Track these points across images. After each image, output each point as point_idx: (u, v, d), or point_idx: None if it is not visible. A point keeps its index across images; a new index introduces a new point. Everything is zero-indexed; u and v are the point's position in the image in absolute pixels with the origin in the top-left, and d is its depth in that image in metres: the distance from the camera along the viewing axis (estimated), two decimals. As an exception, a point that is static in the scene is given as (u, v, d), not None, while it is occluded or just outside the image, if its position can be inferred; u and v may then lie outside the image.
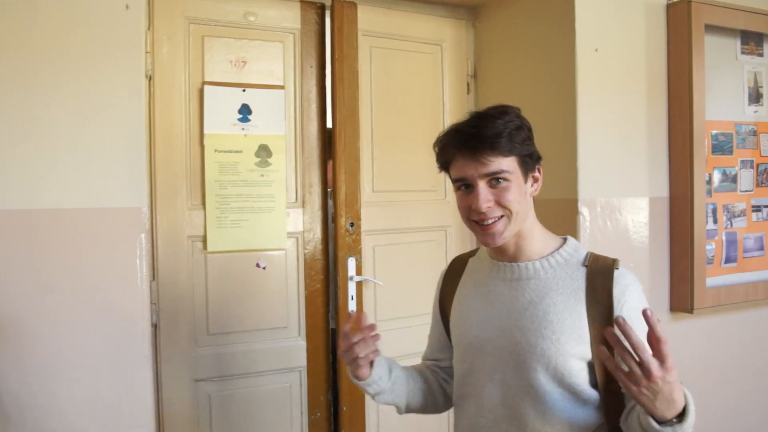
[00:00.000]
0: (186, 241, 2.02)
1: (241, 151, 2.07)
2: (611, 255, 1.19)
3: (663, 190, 2.23)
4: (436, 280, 1.41)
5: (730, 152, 2.33)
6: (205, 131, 2.02)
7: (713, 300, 2.23)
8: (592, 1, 2.07)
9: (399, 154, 2.35)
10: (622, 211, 2.13)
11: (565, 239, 1.23)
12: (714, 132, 2.29)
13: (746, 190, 2.37)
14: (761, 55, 2.41)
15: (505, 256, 1.21)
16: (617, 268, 1.14)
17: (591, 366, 1.12)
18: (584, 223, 2.05)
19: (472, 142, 1.10)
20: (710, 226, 2.27)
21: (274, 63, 2.14)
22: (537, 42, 2.21)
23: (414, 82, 2.39)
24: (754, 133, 2.39)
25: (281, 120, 2.14)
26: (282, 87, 2.15)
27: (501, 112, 1.13)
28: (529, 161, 1.15)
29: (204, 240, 2.03)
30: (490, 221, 1.12)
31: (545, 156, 1.20)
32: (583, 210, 2.05)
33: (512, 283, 1.19)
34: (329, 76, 2.22)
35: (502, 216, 1.12)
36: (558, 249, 1.20)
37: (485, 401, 1.19)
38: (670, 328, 2.24)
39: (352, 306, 2.21)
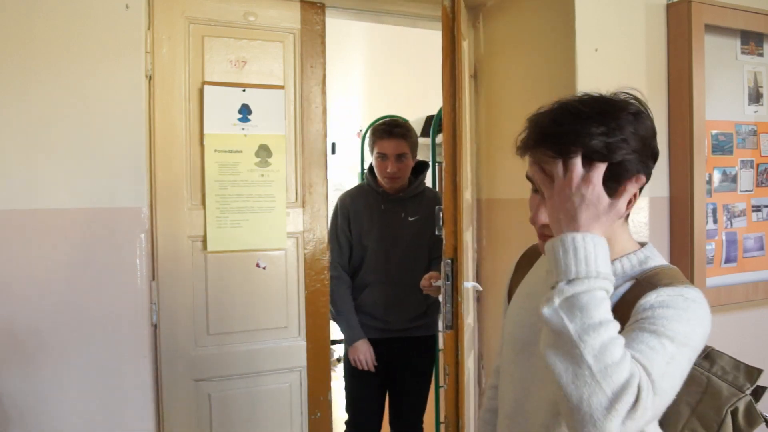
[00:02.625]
0: (186, 241, 2.02)
1: (241, 151, 2.07)
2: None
3: (663, 190, 2.23)
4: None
5: (730, 152, 2.33)
6: (205, 131, 2.02)
7: (713, 300, 2.22)
8: (592, 1, 2.07)
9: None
10: (622, 211, 2.13)
11: (643, 245, 1.02)
12: (714, 132, 2.29)
13: (746, 190, 2.37)
14: (761, 55, 2.41)
15: None
16: (670, 285, 0.91)
17: None
18: (584, 223, 2.04)
19: (539, 140, 0.94)
20: (710, 226, 2.27)
21: (274, 63, 2.14)
22: (537, 42, 2.20)
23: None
24: (754, 133, 2.39)
25: (281, 120, 2.14)
26: (282, 87, 2.14)
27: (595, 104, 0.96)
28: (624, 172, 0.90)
29: (204, 240, 2.03)
30: (547, 232, 0.96)
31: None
32: (583, 210, 2.04)
33: None
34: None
35: None
36: (622, 257, 0.99)
37: (502, 409, 1.11)
38: (670, 328, 2.24)
39: (469, 320, 2.03)
